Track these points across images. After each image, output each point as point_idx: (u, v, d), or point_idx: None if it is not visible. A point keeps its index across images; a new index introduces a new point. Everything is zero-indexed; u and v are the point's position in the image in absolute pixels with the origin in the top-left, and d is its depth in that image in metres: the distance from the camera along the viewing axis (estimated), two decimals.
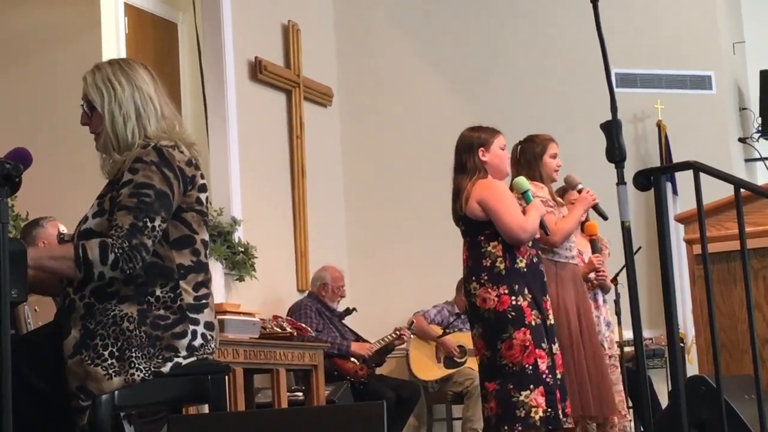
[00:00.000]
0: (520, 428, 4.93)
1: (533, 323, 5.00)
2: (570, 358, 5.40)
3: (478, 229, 5.12)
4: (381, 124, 9.38)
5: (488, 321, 5.04)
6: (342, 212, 9.29)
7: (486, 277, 5.05)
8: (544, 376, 4.98)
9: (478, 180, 5.12)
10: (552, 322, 5.15)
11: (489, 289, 5.03)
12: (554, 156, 5.72)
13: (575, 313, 5.54)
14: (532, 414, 4.92)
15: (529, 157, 5.66)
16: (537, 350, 4.98)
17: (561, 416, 5.00)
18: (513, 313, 4.99)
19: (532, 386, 4.95)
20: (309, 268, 8.47)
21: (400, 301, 8.85)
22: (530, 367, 4.96)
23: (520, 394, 4.94)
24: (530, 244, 5.13)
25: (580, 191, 5.78)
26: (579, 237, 6.35)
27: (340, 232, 9.23)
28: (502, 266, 5.04)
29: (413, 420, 8.61)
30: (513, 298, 5.01)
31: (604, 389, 5.53)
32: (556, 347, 5.12)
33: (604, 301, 6.37)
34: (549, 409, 4.95)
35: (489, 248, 5.07)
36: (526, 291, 5.03)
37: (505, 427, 4.96)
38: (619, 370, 6.27)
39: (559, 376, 5.09)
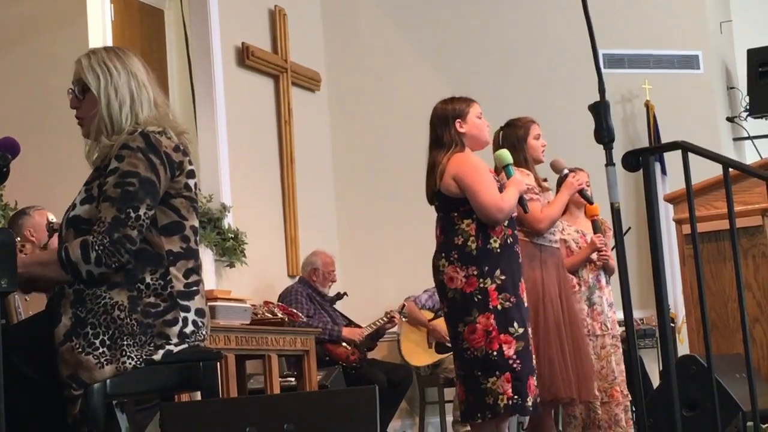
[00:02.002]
0: (489, 416, 4.78)
1: (498, 307, 4.80)
2: (554, 342, 5.34)
3: (452, 206, 4.92)
4: (370, 108, 9.37)
5: (453, 301, 4.87)
6: (332, 197, 9.28)
7: (456, 256, 4.86)
8: (510, 362, 4.77)
9: (454, 154, 4.93)
10: (526, 304, 4.96)
11: (458, 269, 4.85)
12: (538, 137, 5.64)
13: (558, 296, 5.48)
14: (499, 401, 4.74)
15: (513, 141, 5.54)
16: (502, 335, 4.77)
17: (529, 403, 4.82)
18: (479, 296, 4.80)
19: (497, 372, 4.75)
20: (299, 253, 8.48)
21: (390, 285, 8.86)
22: (495, 353, 4.76)
23: (488, 381, 4.75)
24: (506, 223, 4.93)
25: (566, 176, 5.74)
26: (581, 218, 6.38)
27: (330, 216, 9.23)
28: (473, 246, 4.84)
29: (405, 404, 8.63)
30: (481, 280, 4.81)
31: (583, 372, 5.46)
32: (530, 331, 4.95)
33: (607, 282, 6.36)
34: (516, 396, 4.77)
35: (462, 226, 4.88)
36: (496, 273, 4.83)
37: (478, 415, 4.81)
38: (621, 350, 6.29)
39: (535, 361, 4.96)
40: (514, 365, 4.79)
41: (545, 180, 5.81)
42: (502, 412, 4.78)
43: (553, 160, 5.84)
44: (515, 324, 4.83)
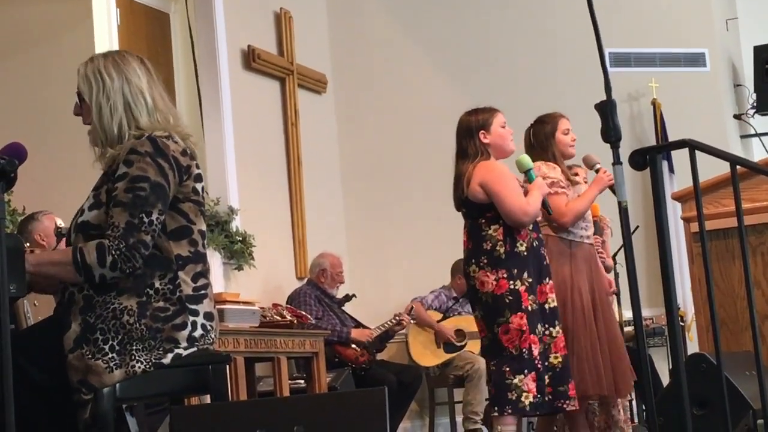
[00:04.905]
0: (509, 411, 4.95)
1: (529, 308, 5.00)
2: (583, 338, 5.37)
3: (479, 212, 5.09)
4: (376, 109, 9.37)
5: (486, 304, 5.05)
6: (339, 198, 9.29)
7: (485, 261, 5.04)
8: (536, 362, 4.99)
9: (479, 162, 5.08)
10: (554, 304, 5.14)
11: (488, 273, 5.02)
12: (566, 132, 5.57)
13: (588, 292, 5.46)
14: (523, 398, 4.94)
15: (541, 138, 5.54)
16: (531, 335, 4.99)
17: (552, 401, 5.04)
18: (510, 298, 4.99)
19: (526, 371, 4.96)
20: (307, 255, 8.48)
21: (399, 286, 8.86)
22: (526, 352, 4.97)
23: (515, 377, 4.95)
24: (531, 227, 5.10)
25: (597, 171, 5.67)
26: None
27: (338, 218, 9.23)
28: (502, 250, 5.02)
29: (415, 404, 8.63)
30: (511, 282, 4.99)
31: (619, 368, 5.46)
32: (557, 330, 5.12)
33: None
34: (538, 395, 4.97)
35: (490, 231, 5.05)
36: (525, 275, 5.02)
37: (496, 408, 5.00)
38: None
39: (560, 359, 5.10)
40: (538, 365, 5.00)
41: (576, 174, 5.76)
42: (527, 410, 4.97)
43: (585, 156, 5.75)
44: (539, 326, 5.05)
